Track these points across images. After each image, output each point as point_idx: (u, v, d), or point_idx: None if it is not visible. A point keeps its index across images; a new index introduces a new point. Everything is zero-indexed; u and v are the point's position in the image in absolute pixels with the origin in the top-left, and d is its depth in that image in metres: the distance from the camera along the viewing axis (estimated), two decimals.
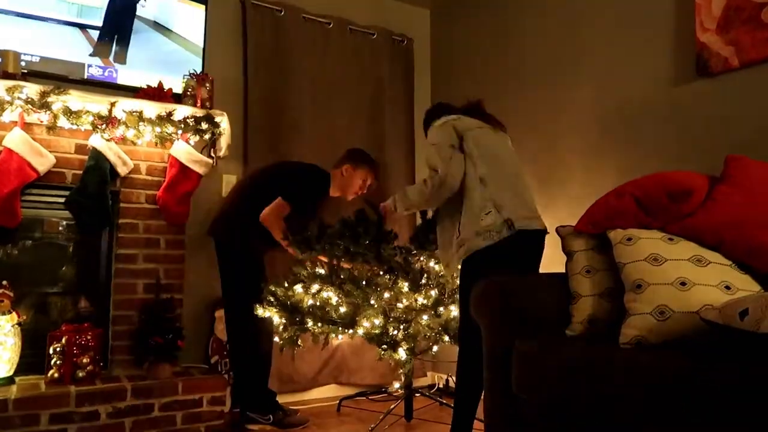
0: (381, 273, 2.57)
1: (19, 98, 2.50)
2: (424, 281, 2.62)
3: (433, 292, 2.63)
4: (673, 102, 2.50)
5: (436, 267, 2.69)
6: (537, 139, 3.15)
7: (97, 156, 2.72)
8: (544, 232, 2.27)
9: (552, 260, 2.38)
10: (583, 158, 2.90)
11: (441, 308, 2.65)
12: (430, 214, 2.60)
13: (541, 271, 2.45)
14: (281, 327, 2.69)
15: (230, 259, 2.88)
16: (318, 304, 2.65)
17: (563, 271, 2.06)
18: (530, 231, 2.19)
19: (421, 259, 2.70)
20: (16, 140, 2.56)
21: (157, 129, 2.79)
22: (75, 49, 2.84)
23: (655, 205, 1.90)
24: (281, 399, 2.98)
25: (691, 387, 1.34)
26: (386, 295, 2.57)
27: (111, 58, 2.92)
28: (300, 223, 2.70)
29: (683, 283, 1.64)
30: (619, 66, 2.73)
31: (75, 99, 2.61)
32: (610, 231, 1.89)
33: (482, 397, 2.02)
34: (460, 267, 2.25)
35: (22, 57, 2.66)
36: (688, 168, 2.06)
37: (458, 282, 2.31)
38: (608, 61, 2.79)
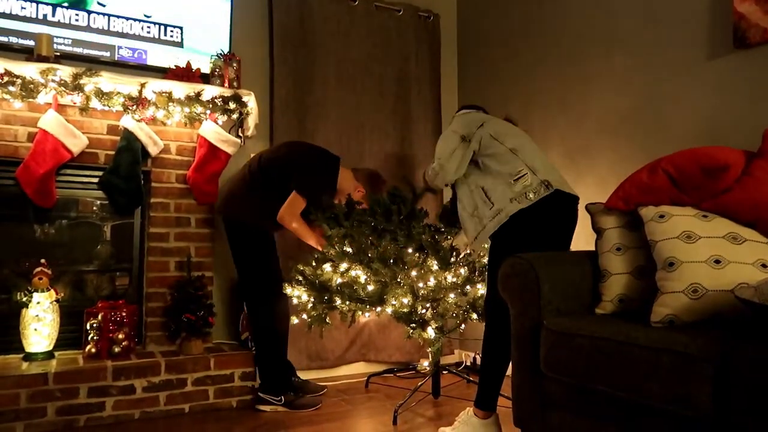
0: (410, 251, 2.57)
1: (52, 80, 2.55)
2: (453, 259, 2.62)
3: (463, 271, 2.62)
4: (708, 75, 2.43)
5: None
6: (566, 115, 3.10)
7: (129, 136, 2.77)
8: (578, 199, 2.27)
9: (581, 238, 2.35)
10: (612, 135, 2.83)
11: (468, 287, 2.65)
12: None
13: (570, 248, 2.43)
14: (309, 305, 2.71)
15: (240, 240, 2.82)
16: (346, 282, 2.67)
17: (593, 248, 2.04)
18: (566, 194, 2.19)
19: (448, 238, 2.69)
20: (51, 122, 2.61)
21: (186, 109, 2.83)
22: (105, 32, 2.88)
23: (689, 181, 1.86)
24: (310, 375, 3.02)
25: (726, 367, 1.32)
26: (413, 273, 2.57)
27: None
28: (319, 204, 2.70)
29: (717, 261, 1.61)
30: (652, 37, 2.65)
31: (106, 80, 2.66)
32: (641, 208, 1.86)
33: (509, 374, 2.02)
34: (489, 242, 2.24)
35: (55, 40, 2.70)
36: (724, 143, 2.00)
37: (486, 258, 2.30)
38: (640, 32, 2.71)
